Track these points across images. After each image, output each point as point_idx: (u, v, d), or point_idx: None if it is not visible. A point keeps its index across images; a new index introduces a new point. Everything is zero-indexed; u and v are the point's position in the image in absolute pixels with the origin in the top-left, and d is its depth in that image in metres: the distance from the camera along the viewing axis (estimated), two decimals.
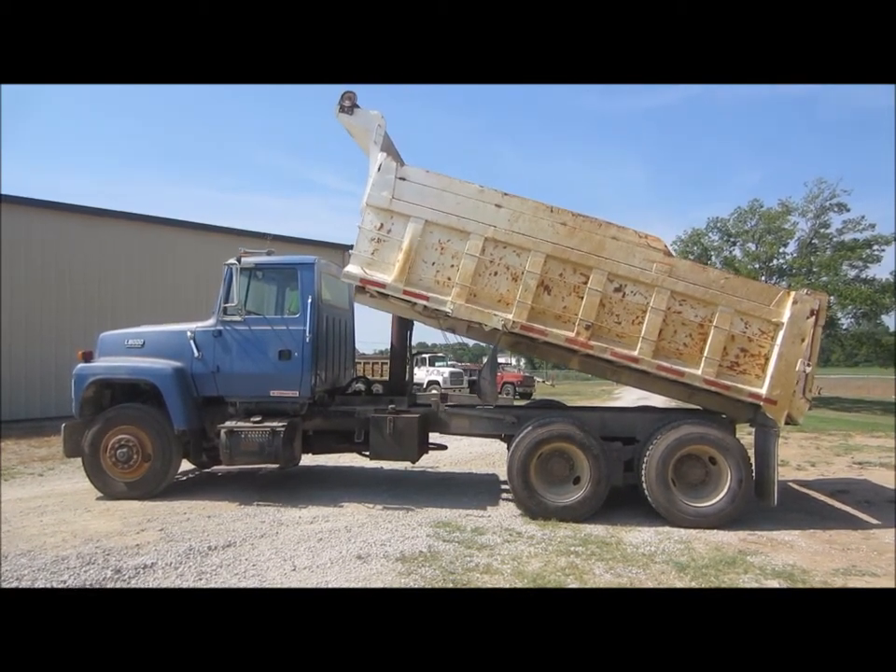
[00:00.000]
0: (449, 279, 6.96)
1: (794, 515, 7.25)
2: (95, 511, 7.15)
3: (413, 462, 7.73)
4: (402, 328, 8.16)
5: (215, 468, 7.41)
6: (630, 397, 28.20)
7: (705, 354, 6.66)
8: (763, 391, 6.62)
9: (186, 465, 8.57)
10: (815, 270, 26.99)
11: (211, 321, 7.70)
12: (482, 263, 6.88)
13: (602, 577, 5.17)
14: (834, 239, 27.86)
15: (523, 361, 49.95)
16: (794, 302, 6.56)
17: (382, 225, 7.00)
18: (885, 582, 5.22)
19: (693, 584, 5.04)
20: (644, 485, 6.78)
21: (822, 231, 28.26)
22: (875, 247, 26.98)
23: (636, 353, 6.71)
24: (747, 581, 5.13)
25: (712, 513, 6.66)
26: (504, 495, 8.14)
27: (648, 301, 6.72)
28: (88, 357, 7.84)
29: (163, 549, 5.72)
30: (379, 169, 6.95)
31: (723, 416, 7.21)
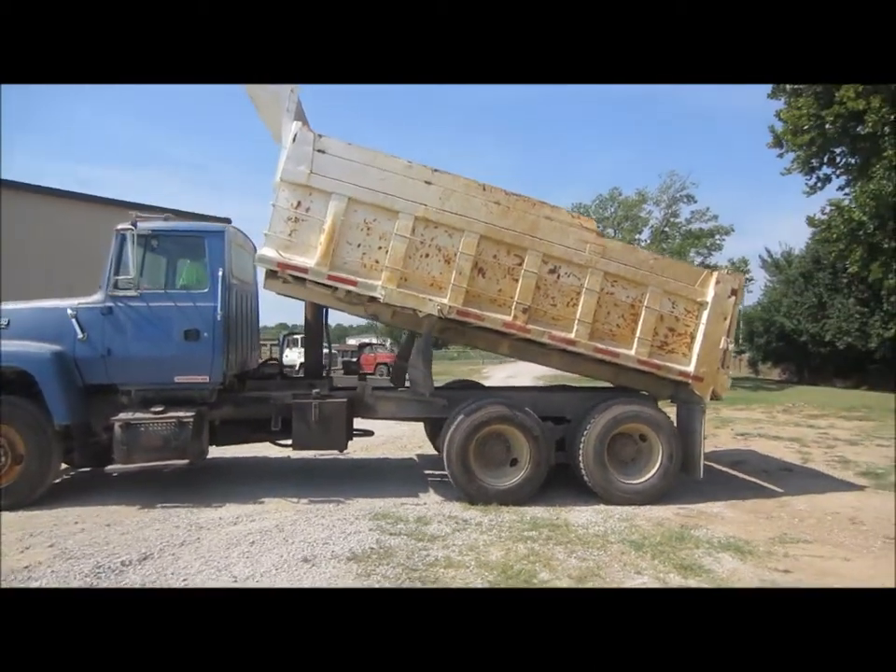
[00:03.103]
0: (377, 262, 6.46)
1: (709, 487, 7.54)
2: None
3: (342, 451, 7.18)
4: (318, 306, 7.50)
5: (109, 468, 6.33)
6: (499, 375, 28.89)
7: (637, 334, 6.73)
8: (691, 369, 6.81)
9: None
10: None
11: (98, 296, 6.56)
12: (412, 245, 6.45)
13: (568, 562, 5.04)
14: (683, 228, 30.18)
15: (388, 342, 49.67)
16: (717, 282, 6.79)
17: (299, 203, 6.34)
18: (817, 548, 5.54)
19: (656, 562, 5.07)
20: (581, 465, 6.74)
21: (673, 220, 30.53)
22: (717, 237, 29.58)
23: (572, 335, 6.63)
24: (701, 556, 5.24)
25: (645, 490, 6.77)
26: (431, 479, 7.85)
27: (582, 282, 6.65)
28: None
29: (62, 569, 4.80)
30: (294, 140, 6.28)
31: (645, 394, 7.37)
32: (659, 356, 6.81)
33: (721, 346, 6.80)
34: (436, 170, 6.50)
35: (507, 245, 6.56)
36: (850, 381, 31.23)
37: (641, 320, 6.72)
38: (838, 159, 21.81)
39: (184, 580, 4.64)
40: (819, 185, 22.36)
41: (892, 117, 17.09)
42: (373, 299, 6.68)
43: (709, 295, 6.78)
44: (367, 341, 42.72)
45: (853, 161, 20.89)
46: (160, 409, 6.41)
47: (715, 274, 6.86)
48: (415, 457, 9.43)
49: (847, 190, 21.82)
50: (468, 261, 6.48)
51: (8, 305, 6.73)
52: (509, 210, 6.54)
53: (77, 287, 7.22)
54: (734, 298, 6.81)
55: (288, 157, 6.27)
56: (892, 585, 4.59)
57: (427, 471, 8.29)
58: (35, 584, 4.53)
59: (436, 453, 8.91)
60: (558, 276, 6.66)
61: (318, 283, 6.56)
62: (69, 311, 6.46)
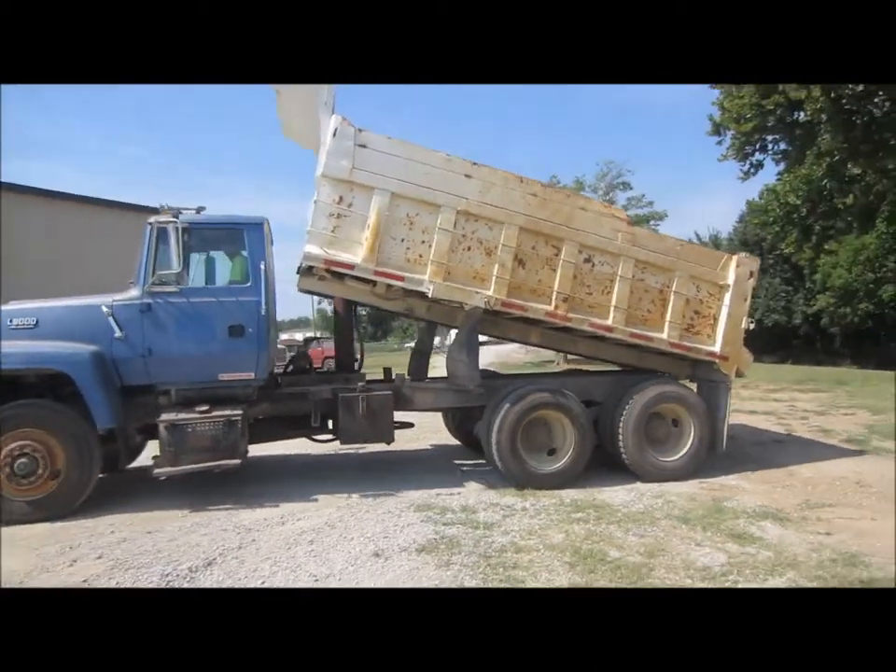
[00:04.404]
0: (421, 256, 6.50)
1: (716, 461, 7.67)
2: None
3: (389, 443, 7.12)
4: (348, 303, 7.47)
5: (157, 471, 6.04)
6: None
7: (667, 318, 7.05)
8: (717, 349, 7.21)
9: None
10: None
11: (134, 292, 6.25)
12: (455, 238, 6.53)
13: (628, 539, 5.21)
14: None
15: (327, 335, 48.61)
16: (738, 265, 7.21)
17: (341, 198, 6.30)
18: (842, 511, 5.93)
19: (709, 534, 5.29)
20: (620, 444, 6.99)
21: None
22: (652, 222, 30.72)
23: (610, 322, 6.88)
24: (745, 525, 5.49)
25: (679, 466, 7.11)
26: (458, 468, 7.94)
27: (615, 270, 6.91)
28: None
29: (127, 580, 4.58)
30: (335, 134, 6.21)
31: (666, 375, 7.73)
32: (687, 338, 7.18)
33: (742, 326, 7.23)
34: (475, 163, 6.59)
35: (545, 237, 6.74)
36: (776, 356, 33.36)
37: (671, 305, 7.06)
38: (769, 146, 23.15)
39: (262, 582, 4.55)
40: (752, 171, 23.68)
41: (829, 105, 18.14)
42: (410, 292, 6.74)
43: (731, 278, 7.19)
44: (311, 335, 41.96)
45: (786, 147, 22.16)
46: (204, 408, 6.23)
47: (735, 258, 7.27)
48: (430, 447, 9.51)
49: (776, 175, 23.31)
50: (509, 253, 6.61)
51: (34, 304, 6.33)
52: (546, 202, 6.71)
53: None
54: (752, 279, 7.25)
55: (329, 152, 6.20)
56: None
57: (454, 461, 8.38)
58: None
59: (454, 442, 9.06)
60: (593, 265, 6.89)
61: (358, 279, 6.55)
62: (104, 308, 6.15)
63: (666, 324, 7.06)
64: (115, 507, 6.39)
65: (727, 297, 7.20)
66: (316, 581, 4.54)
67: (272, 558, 4.97)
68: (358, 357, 7.75)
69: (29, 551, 5.28)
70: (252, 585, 4.51)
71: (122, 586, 4.51)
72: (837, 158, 20.49)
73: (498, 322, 7.27)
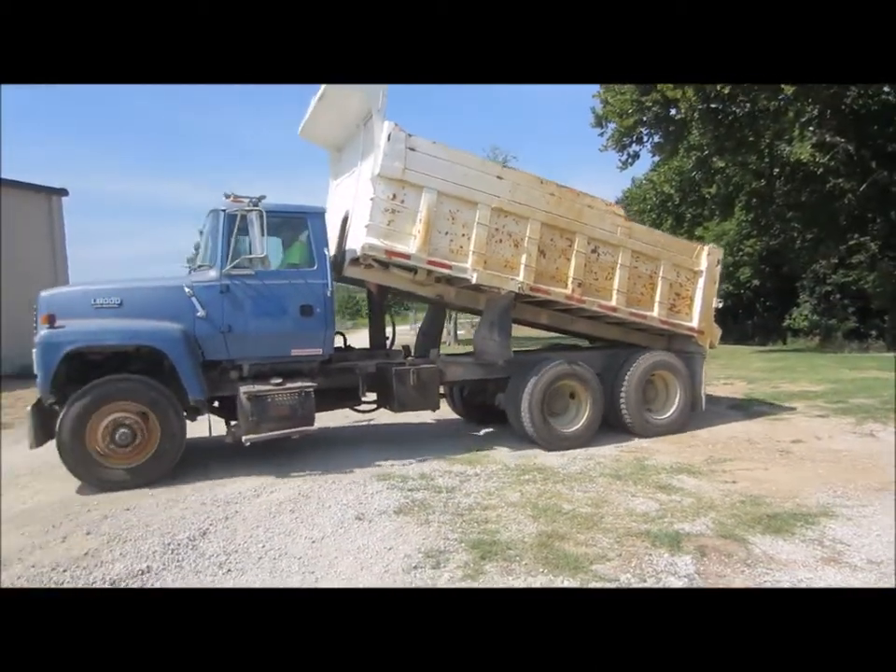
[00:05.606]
0: (461, 247, 7.26)
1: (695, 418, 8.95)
2: None
3: (435, 410, 7.92)
4: (382, 288, 8.11)
5: (245, 437, 6.47)
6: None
7: (657, 300, 8.32)
8: (695, 324, 8.59)
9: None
10: None
11: (213, 274, 6.71)
12: (489, 231, 7.34)
13: (575, 494, 5.86)
14: None
15: None
16: (708, 254, 8.62)
17: (395, 195, 6.93)
18: (741, 464, 6.80)
19: (640, 487, 6.01)
20: (623, 406, 8.14)
21: None
22: None
23: (613, 303, 8.03)
24: (667, 479, 6.25)
25: (669, 423, 8.41)
26: (398, 441, 8.33)
27: (615, 259, 8.05)
28: (54, 321, 6.17)
29: (130, 551, 4.71)
30: (389, 138, 6.81)
31: (644, 347, 9.01)
32: (672, 315, 8.50)
33: (713, 305, 8.67)
34: (505, 165, 7.43)
35: (560, 230, 7.72)
36: None
37: (658, 288, 8.33)
38: (645, 139, 25.61)
39: (262, 545, 4.79)
40: (630, 161, 26.11)
41: (700, 104, 20.54)
42: (440, 279, 7.54)
43: (703, 265, 8.59)
44: None
45: (660, 141, 24.63)
46: (279, 381, 6.74)
47: (706, 248, 8.69)
48: (345, 422, 9.51)
49: (651, 166, 25.97)
50: (534, 244, 7.53)
51: (115, 284, 6.65)
52: (561, 200, 7.69)
53: None
54: (719, 266, 8.71)
55: (385, 154, 6.78)
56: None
57: (392, 434, 8.87)
58: (120, 567, 4.50)
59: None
60: (598, 255, 7.99)
61: (402, 267, 7.21)
62: (186, 289, 6.56)
63: (656, 304, 8.33)
64: (73, 482, 6.35)
65: (701, 281, 8.60)
66: (314, 542, 4.85)
67: (262, 525, 5.22)
68: (389, 336, 8.38)
69: (10, 533, 5.21)
70: (252, 549, 4.70)
71: (131, 584, 4.41)
72: (706, 152, 23.26)
73: (516, 305, 8.16)
